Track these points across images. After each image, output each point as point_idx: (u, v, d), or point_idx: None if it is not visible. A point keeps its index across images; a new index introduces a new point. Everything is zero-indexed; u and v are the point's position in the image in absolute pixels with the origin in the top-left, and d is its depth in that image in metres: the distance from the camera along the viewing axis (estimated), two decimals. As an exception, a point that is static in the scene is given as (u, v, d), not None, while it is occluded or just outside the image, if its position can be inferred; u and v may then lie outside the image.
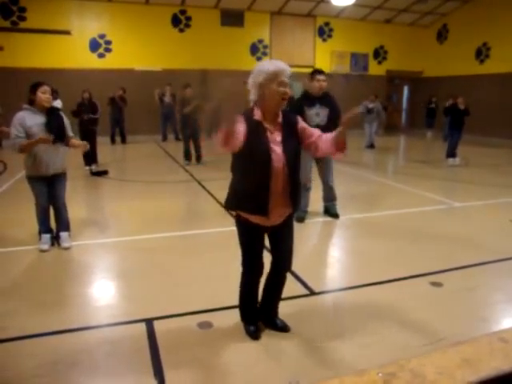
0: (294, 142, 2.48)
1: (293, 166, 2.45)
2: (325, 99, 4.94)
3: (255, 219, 2.48)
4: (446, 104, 12.24)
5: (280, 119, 2.46)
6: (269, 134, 2.41)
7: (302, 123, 2.54)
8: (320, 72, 4.98)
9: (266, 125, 2.42)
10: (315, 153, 2.55)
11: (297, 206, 2.59)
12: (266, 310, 2.85)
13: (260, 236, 2.59)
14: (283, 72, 2.36)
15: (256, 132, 2.37)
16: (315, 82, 4.91)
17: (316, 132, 2.54)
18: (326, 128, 4.83)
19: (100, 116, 9.17)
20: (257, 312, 2.82)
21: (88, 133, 8.70)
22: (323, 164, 5.20)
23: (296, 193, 2.52)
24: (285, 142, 2.43)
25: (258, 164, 2.37)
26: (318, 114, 4.90)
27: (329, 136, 2.45)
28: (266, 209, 2.41)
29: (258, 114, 2.41)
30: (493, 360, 0.76)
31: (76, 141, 4.44)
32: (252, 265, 2.65)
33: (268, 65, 2.38)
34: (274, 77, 2.35)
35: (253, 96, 2.43)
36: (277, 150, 2.39)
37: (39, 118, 4.00)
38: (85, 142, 4.46)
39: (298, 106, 4.81)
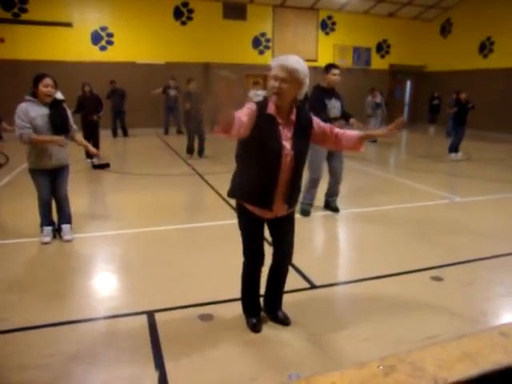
0: (305, 141, 2.50)
1: (299, 164, 2.47)
2: (336, 93, 5.11)
3: (256, 211, 2.51)
4: (448, 99, 12.20)
5: (293, 116, 2.45)
6: (281, 128, 2.41)
7: (316, 122, 2.56)
8: (335, 66, 5.10)
9: (279, 120, 2.41)
10: (333, 145, 2.65)
11: (293, 203, 2.60)
12: (269, 302, 2.87)
13: (260, 227, 2.62)
14: (275, 67, 2.39)
15: (268, 125, 2.38)
16: (331, 75, 5.01)
17: (328, 126, 2.60)
18: (341, 119, 4.99)
19: (103, 110, 9.22)
20: (258, 305, 2.83)
21: (90, 125, 8.70)
22: (337, 159, 5.27)
23: (296, 190, 2.57)
24: (295, 139, 2.43)
25: (269, 157, 2.37)
26: (335, 106, 5.05)
27: (352, 134, 2.57)
28: (270, 202, 2.45)
29: (271, 109, 2.40)
30: (493, 354, 0.76)
31: (81, 139, 4.48)
32: (252, 254, 2.67)
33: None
34: (271, 68, 2.38)
35: (301, 93, 2.42)
36: (286, 145, 2.40)
37: (42, 110, 3.98)
38: (91, 148, 4.56)
39: (321, 99, 4.93)
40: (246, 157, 2.48)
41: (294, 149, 2.42)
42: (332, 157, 5.24)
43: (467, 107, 9.61)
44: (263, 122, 2.35)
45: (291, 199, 2.55)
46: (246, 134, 2.22)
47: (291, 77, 2.31)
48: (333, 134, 2.57)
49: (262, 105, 2.40)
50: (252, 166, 2.44)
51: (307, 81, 2.39)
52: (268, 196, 2.43)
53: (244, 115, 2.22)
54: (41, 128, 3.95)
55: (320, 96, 4.99)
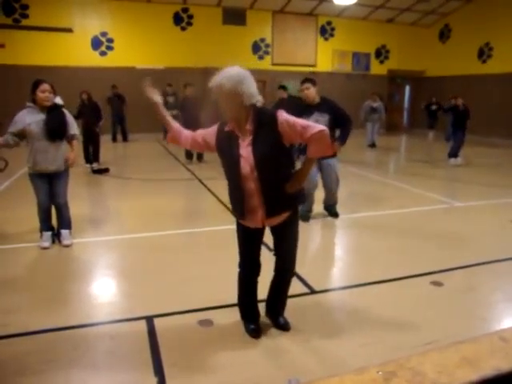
0: (268, 143, 2.35)
1: (265, 167, 2.36)
2: (323, 106, 4.85)
3: (242, 221, 2.57)
4: (446, 104, 12.21)
5: (249, 125, 2.37)
6: (240, 141, 2.42)
7: (284, 119, 2.36)
8: (305, 81, 4.91)
9: (238, 133, 2.43)
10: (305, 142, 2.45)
11: (272, 209, 2.45)
12: (270, 307, 2.87)
13: (253, 237, 2.62)
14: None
15: (226, 141, 2.46)
16: (300, 90, 4.89)
17: (300, 125, 2.35)
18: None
19: (104, 117, 9.27)
20: (256, 310, 2.82)
21: (91, 133, 8.71)
22: (328, 172, 5.10)
23: (268, 194, 2.41)
24: (254, 145, 2.36)
25: (230, 170, 2.49)
26: (318, 121, 4.65)
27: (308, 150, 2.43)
28: (242, 212, 2.50)
29: (230, 124, 2.45)
30: (493, 359, 0.76)
31: (76, 146, 4.33)
32: (244, 263, 2.69)
33: (246, 73, 2.37)
34: (252, 85, 2.37)
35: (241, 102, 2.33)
36: (245, 154, 2.37)
37: (40, 116, 4.01)
38: (72, 156, 4.25)
39: (297, 113, 4.57)
40: (224, 173, 2.59)
41: (254, 153, 2.35)
42: (323, 169, 5.09)
43: (463, 111, 9.62)
44: (222, 139, 2.49)
45: (272, 206, 2.43)
46: (202, 149, 2.67)
47: (221, 93, 2.31)
48: (305, 135, 2.34)
49: (223, 124, 2.50)
50: (227, 180, 2.58)
51: (243, 87, 2.29)
52: (239, 205, 2.50)
53: (201, 134, 2.59)
54: (36, 134, 3.98)
55: (296, 109, 4.52)
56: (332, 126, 4.71)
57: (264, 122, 2.38)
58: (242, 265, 2.70)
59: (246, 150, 2.38)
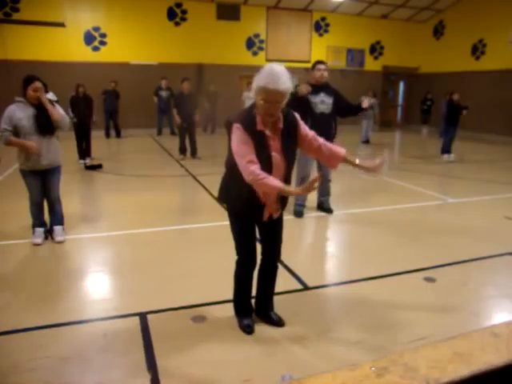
0: (293, 146, 2.50)
1: (289, 171, 2.50)
2: (328, 88, 5.15)
3: (251, 215, 2.57)
4: (442, 102, 12.25)
5: (281, 123, 2.40)
6: (271, 141, 2.37)
7: (304, 127, 2.50)
8: (320, 62, 5.24)
9: (268, 132, 2.37)
10: (315, 154, 2.59)
11: (285, 205, 2.65)
12: (261, 303, 2.87)
13: (254, 228, 2.66)
14: (270, 91, 2.20)
15: (258, 142, 2.33)
16: (316, 71, 5.12)
17: (316, 139, 2.52)
18: (330, 116, 4.97)
19: (94, 110, 9.19)
20: (250, 306, 2.83)
21: (84, 127, 8.66)
22: None
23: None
24: (285, 149, 2.41)
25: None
26: (323, 101, 5.06)
27: (338, 152, 2.50)
28: (261, 215, 2.52)
29: (259, 123, 2.34)
30: (484, 354, 0.77)
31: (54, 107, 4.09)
32: (246, 254, 2.67)
33: (265, 74, 2.23)
34: (262, 91, 2.24)
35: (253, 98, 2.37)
36: (277, 157, 2.39)
37: (30, 111, 3.97)
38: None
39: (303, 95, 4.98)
40: (237, 169, 2.35)
41: (287, 158, 2.42)
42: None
43: (459, 108, 9.65)
44: (254, 140, 2.31)
45: (285, 200, 2.61)
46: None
47: (283, 96, 2.26)
48: (315, 142, 2.51)
49: (248, 122, 2.32)
50: (244, 180, 2.32)
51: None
52: (258, 209, 2.49)
53: (251, 149, 2.29)
54: (27, 129, 3.94)
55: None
56: (334, 112, 5.08)
57: (289, 123, 2.44)
58: (245, 259, 2.68)
59: (278, 153, 2.39)
